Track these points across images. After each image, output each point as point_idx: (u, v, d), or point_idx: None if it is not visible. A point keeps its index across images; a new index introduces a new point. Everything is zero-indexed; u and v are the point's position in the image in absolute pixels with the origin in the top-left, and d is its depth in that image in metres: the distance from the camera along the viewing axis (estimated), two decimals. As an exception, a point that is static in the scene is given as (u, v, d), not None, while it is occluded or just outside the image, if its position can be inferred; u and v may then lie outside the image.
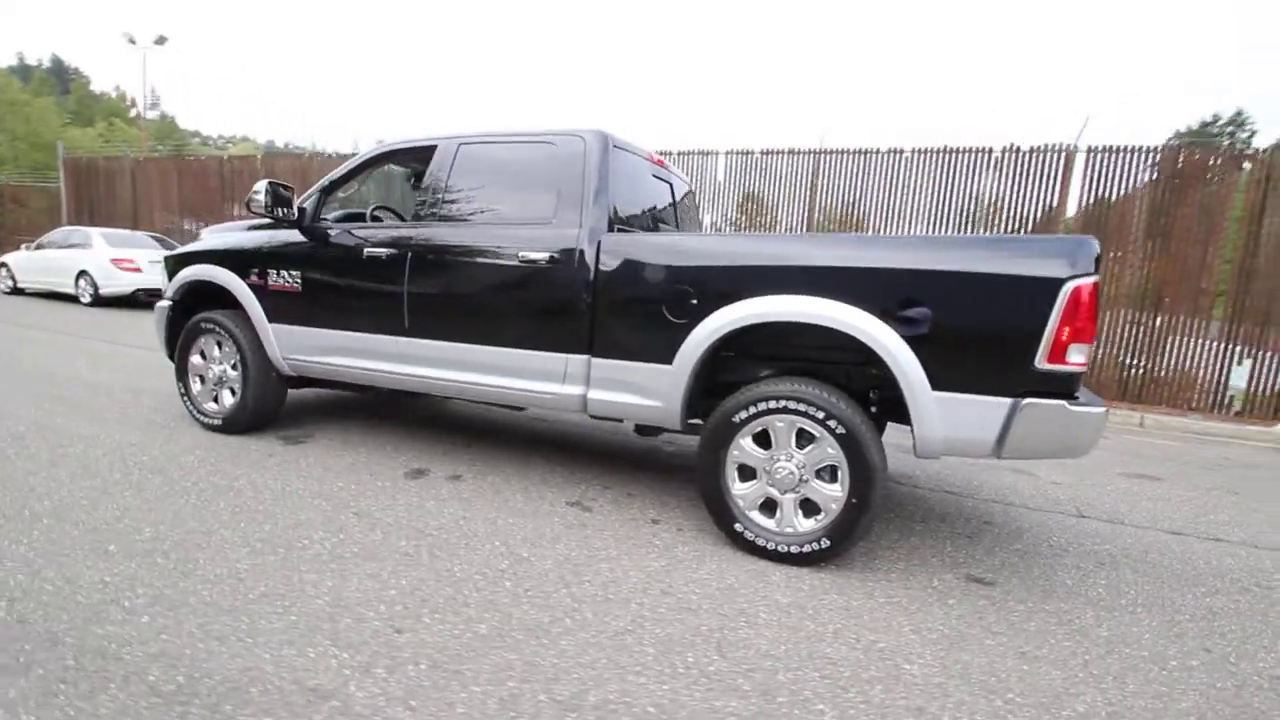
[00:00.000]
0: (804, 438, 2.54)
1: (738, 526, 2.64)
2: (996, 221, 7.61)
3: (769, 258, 2.57)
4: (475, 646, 1.95)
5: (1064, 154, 7.21)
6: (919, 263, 2.34)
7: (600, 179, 2.95)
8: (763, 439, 2.62)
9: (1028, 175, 7.36)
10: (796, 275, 2.49)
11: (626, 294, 2.80)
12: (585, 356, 2.92)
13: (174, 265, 4.06)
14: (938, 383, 2.31)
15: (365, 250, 3.34)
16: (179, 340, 3.98)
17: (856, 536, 2.48)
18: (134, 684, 1.70)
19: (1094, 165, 7.12)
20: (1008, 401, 2.25)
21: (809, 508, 2.58)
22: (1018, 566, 2.76)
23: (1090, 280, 2.16)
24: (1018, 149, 7.39)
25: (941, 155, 7.69)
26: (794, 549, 2.54)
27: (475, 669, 1.84)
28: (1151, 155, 6.91)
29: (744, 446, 2.63)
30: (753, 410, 2.56)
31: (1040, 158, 7.31)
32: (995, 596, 2.47)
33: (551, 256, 2.90)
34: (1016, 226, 7.46)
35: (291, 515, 2.82)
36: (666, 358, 2.72)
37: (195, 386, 3.99)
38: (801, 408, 2.48)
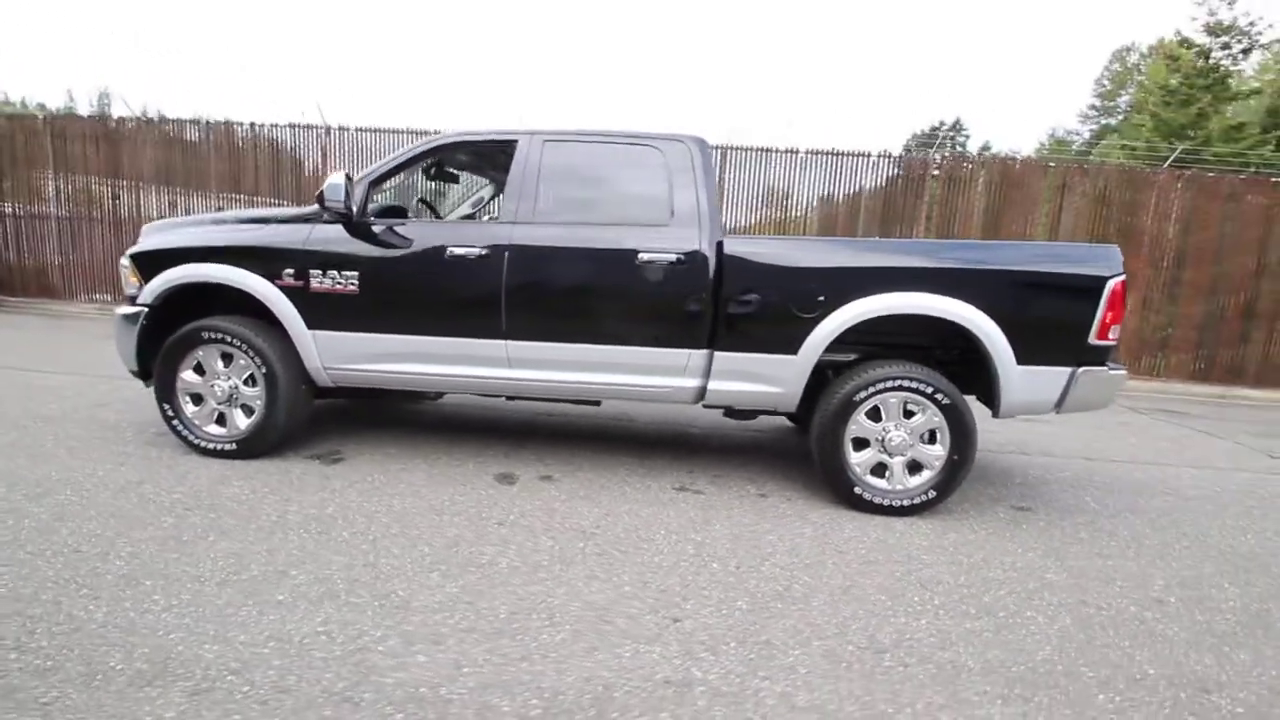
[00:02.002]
0: (909, 409, 3.05)
1: (857, 490, 3.08)
2: (866, 212, 8.94)
3: (889, 259, 3.01)
4: (752, 621, 2.15)
5: (923, 161, 8.72)
6: (1011, 265, 2.95)
7: (709, 183, 3.14)
8: (872, 413, 3.08)
9: (897, 176, 8.77)
10: (912, 275, 2.96)
11: (753, 292, 3.05)
12: (706, 351, 3.12)
13: (148, 264, 3.34)
14: (1021, 359, 2.95)
15: (449, 250, 3.12)
16: (161, 353, 3.32)
17: (956, 486, 3.07)
18: (495, 717, 1.66)
19: (945, 170, 8.72)
20: (1068, 370, 2.96)
21: (912, 467, 3.10)
22: (1044, 496, 3.57)
23: (1122, 278, 2.93)
24: (889, 154, 8.76)
25: (830, 157, 8.80)
26: (906, 502, 3.06)
27: (779, 638, 2.06)
28: (987, 162, 8.69)
29: (860, 421, 3.06)
30: (872, 390, 3.01)
31: (905, 162, 8.75)
32: (1043, 518, 3.22)
33: (676, 258, 3.03)
34: (886, 218, 8.85)
35: (435, 535, 2.66)
36: (792, 349, 3.04)
37: (188, 408, 3.37)
38: (914, 384, 2.98)
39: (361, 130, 9.26)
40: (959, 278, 2.95)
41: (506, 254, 3.11)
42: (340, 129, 9.28)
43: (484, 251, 3.12)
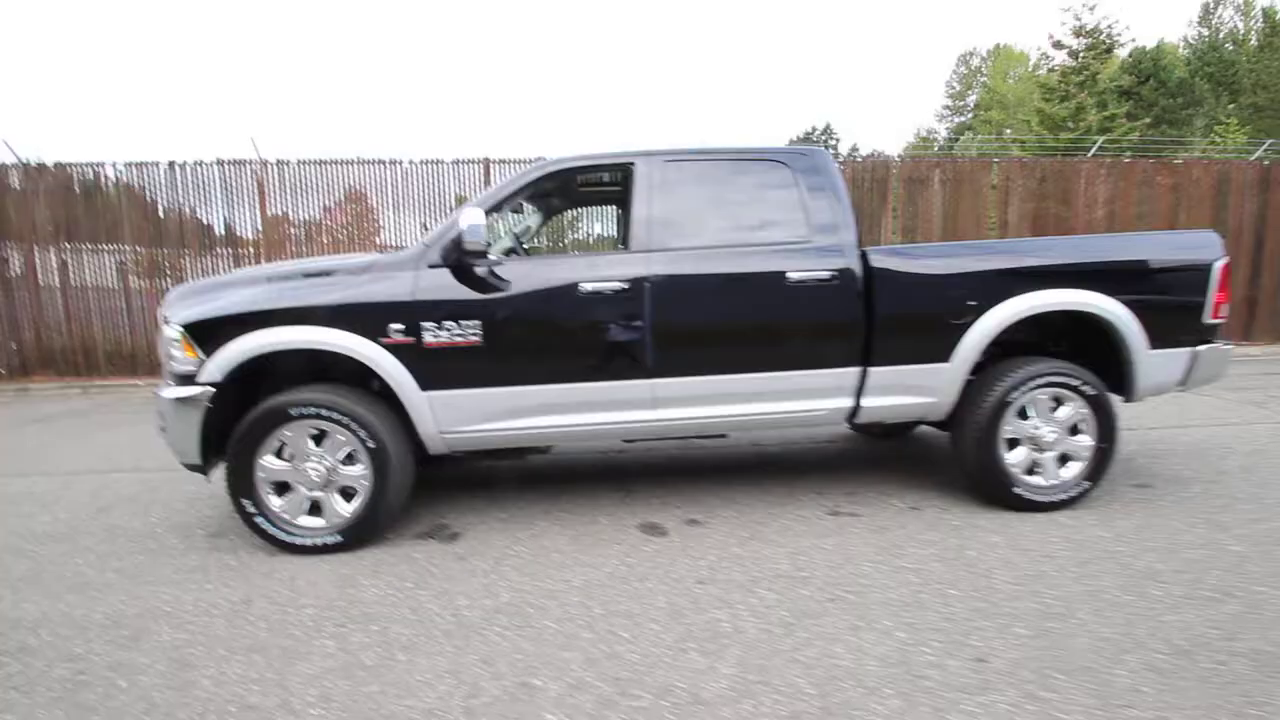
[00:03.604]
0: (1056, 403, 3.11)
1: (1017, 490, 3.09)
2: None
3: (1032, 260, 3.06)
4: (1048, 646, 2.06)
5: (885, 162, 9.22)
6: (1139, 256, 3.09)
7: (843, 196, 3.06)
8: (1019, 412, 3.11)
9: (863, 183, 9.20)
10: (1053, 273, 3.03)
11: (903, 304, 3.01)
12: (859, 368, 3.03)
13: (208, 334, 2.78)
14: (1151, 344, 3.08)
15: (581, 286, 2.83)
16: (235, 439, 2.78)
17: (1104, 473, 3.15)
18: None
19: (906, 169, 9.27)
20: (1189, 350, 3.14)
21: (1061, 460, 3.16)
22: (1144, 471, 3.75)
23: (1226, 260, 3.15)
24: (855, 156, 9.17)
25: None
26: (1063, 496, 3.10)
27: (1092, 661, 1.98)
28: (942, 162, 9.31)
29: (1013, 421, 3.08)
30: (1024, 388, 3.03)
31: (869, 164, 9.23)
32: (1168, 493, 3.38)
33: (829, 275, 2.92)
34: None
35: (647, 606, 2.38)
36: (945, 356, 3.02)
37: (273, 500, 2.85)
38: (1062, 380, 3.04)
39: (304, 163, 8.45)
40: (1095, 272, 3.06)
41: (647, 285, 2.87)
42: (279, 163, 8.42)
43: (623, 285, 2.86)
